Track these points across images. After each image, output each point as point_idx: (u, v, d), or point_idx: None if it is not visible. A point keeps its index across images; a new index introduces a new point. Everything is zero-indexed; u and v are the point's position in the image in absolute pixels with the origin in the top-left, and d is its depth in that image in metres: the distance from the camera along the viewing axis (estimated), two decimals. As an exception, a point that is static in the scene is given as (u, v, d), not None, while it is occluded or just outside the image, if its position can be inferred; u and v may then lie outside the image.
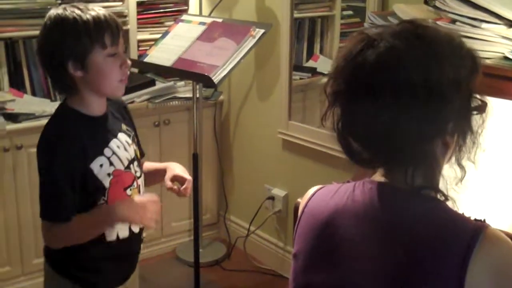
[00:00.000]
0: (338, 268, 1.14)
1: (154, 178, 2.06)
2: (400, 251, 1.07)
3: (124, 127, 1.92)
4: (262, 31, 2.84)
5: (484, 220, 1.09)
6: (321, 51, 3.53)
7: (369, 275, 1.09)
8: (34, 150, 3.02)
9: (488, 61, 1.77)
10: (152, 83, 3.50)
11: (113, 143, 1.83)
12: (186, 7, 3.76)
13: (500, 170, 1.68)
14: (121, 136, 1.88)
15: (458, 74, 1.08)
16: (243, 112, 3.71)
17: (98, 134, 1.81)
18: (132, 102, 3.32)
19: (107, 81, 1.77)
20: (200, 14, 3.48)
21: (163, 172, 2.03)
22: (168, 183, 1.98)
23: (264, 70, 3.49)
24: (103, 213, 1.78)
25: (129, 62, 1.82)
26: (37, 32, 3.20)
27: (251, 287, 3.39)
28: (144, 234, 1.99)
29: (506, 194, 1.65)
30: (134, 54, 3.61)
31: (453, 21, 1.84)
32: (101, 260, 1.86)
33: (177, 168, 2.03)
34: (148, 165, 2.09)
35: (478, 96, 1.13)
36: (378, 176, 1.18)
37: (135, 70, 3.62)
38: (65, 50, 1.72)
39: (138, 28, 3.60)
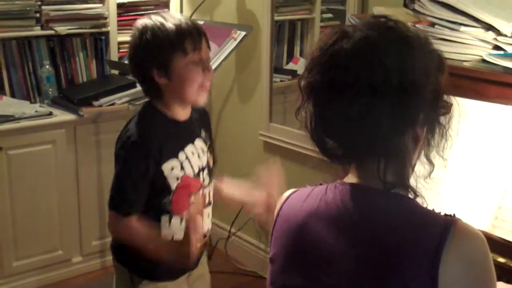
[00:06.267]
0: (314, 271, 1.15)
1: (228, 204, 2.10)
2: (374, 250, 1.08)
3: (203, 133, 1.98)
4: (243, 33, 2.85)
5: (454, 215, 1.10)
6: (301, 54, 3.55)
7: (345, 277, 1.10)
8: (14, 152, 3.08)
9: (466, 64, 1.80)
10: (132, 85, 3.48)
11: (189, 149, 1.89)
12: (167, 9, 3.75)
13: (478, 171, 1.70)
14: (198, 142, 1.93)
15: (427, 65, 1.11)
16: (224, 114, 3.71)
17: (177, 137, 1.87)
18: (113, 104, 3.30)
19: (189, 87, 1.81)
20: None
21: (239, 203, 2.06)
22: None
23: (245, 73, 3.50)
24: (166, 247, 1.81)
25: (212, 69, 1.86)
26: (16, 34, 3.27)
27: (232, 289, 3.39)
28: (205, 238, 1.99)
29: (482, 194, 1.67)
30: (114, 56, 3.60)
31: (432, 24, 1.87)
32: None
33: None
34: (231, 191, 2.09)
35: (444, 96, 1.15)
36: (350, 177, 1.19)
37: (116, 72, 3.61)
38: (150, 58, 1.79)
39: (118, 30, 3.59)
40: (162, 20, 1.80)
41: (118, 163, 1.84)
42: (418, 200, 1.14)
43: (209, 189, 1.97)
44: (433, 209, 1.13)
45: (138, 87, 3.47)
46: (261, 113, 3.36)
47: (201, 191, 1.93)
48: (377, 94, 1.06)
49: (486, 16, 1.81)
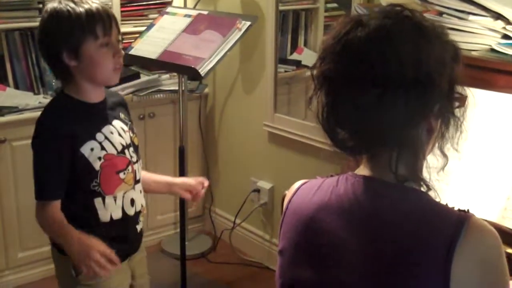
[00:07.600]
0: (323, 263, 1.15)
1: (156, 187, 2.18)
2: (385, 244, 1.07)
3: (122, 115, 2.01)
4: (248, 23, 2.83)
5: (468, 210, 1.09)
6: (305, 44, 3.53)
7: (355, 269, 1.10)
8: (18, 143, 3.08)
9: (475, 53, 1.78)
10: (136, 76, 3.48)
11: (106, 129, 1.91)
12: (171, 0, 3.73)
13: (487, 161, 1.69)
14: (116, 122, 1.96)
15: (442, 56, 1.09)
16: (228, 105, 3.70)
17: (90, 119, 1.90)
18: (117, 95, 3.29)
19: (100, 70, 1.87)
20: (185, 7, 3.46)
21: (166, 184, 2.19)
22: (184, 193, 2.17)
23: (249, 63, 3.49)
24: (71, 236, 1.81)
25: (122, 51, 1.92)
26: (19, 25, 3.25)
27: (237, 279, 3.39)
28: (141, 217, 2.04)
29: (492, 185, 1.67)
30: (118, 47, 3.58)
31: (440, 14, 1.85)
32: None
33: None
34: (153, 176, 2.19)
35: (459, 89, 1.14)
36: (362, 170, 1.18)
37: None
38: (60, 41, 1.84)
39: (122, 20, 3.56)
40: (72, 4, 1.83)
41: (33, 152, 1.87)
42: (431, 193, 1.12)
43: (138, 166, 2.01)
44: (446, 204, 1.12)
45: (143, 78, 3.49)
46: (266, 103, 3.35)
47: (130, 168, 1.95)
48: (391, 85, 1.04)
49: (495, 5, 1.79)
